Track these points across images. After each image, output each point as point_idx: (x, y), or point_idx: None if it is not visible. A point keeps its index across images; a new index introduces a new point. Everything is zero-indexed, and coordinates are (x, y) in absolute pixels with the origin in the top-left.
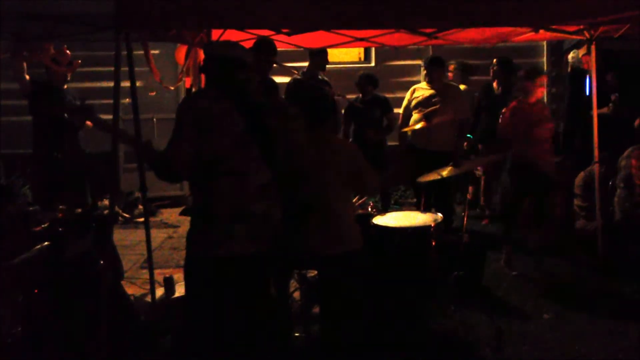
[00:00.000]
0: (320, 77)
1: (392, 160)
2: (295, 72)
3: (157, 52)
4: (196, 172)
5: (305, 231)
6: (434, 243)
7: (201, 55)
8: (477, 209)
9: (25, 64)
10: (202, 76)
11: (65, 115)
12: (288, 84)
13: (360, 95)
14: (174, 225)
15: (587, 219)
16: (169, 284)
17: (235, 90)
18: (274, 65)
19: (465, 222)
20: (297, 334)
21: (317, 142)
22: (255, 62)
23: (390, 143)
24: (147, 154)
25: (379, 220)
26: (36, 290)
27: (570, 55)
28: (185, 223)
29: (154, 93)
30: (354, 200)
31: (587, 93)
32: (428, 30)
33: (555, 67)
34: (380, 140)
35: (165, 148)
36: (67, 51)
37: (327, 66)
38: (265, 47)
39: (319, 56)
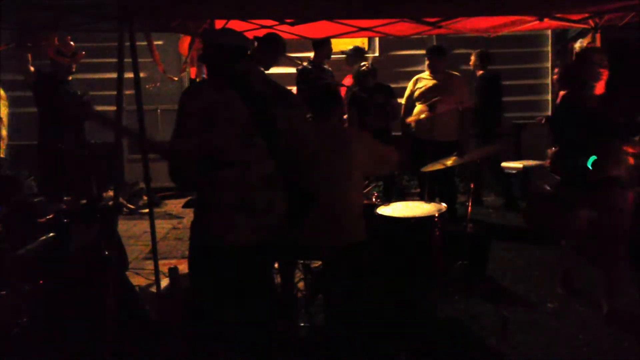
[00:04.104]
0: (325, 66)
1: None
2: (299, 62)
3: (160, 42)
4: (199, 163)
5: (309, 222)
6: (438, 233)
7: None
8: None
9: (29, 55)
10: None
11: (70, 106)
12: (297, 74)
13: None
14: (178, 216)
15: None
16: (174, 274)
17: (238, 79)
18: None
19: (469, 211)
20: (301, 324)
21: (324, 133)
22: (260, 56)
23: (393, 133)
24: (151, 147)
25: (382, 210)
26: (42, 281)
27: (577, 45)
28: (189, 214)
29: (151, 86)
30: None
31: None
32: (432, 20)
33: (560, 55)
34: (384, 128)
35: (170, 143)
36: (71, 42)
37: (332, 56)
38: (274, 43)
39: (324, 46)
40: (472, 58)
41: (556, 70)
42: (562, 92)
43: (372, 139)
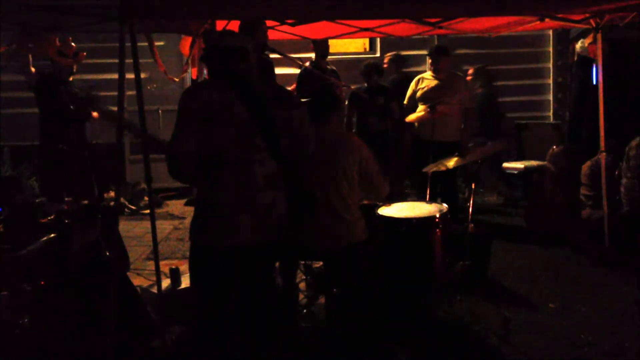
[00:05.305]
0: (329, 67)
1: (395, 150)
2: (301, 62)
3: (161, 43)
4: (200, 163)
5: (310, 223)
6: (439, 233)
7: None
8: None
9: (30, 56)
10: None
11: (71, 107)
12: (299, 74)
13: (365, 84)
14: (179, 216)
15: (593, 208)
16: (175, 275)
17: (238, 80)
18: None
19: (470, 212)
20: (302, 324)
21: (322, 136)
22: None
23: (392, 134)
24: (154, 145)
25: (384, 210)
26: (43, 282)
27: (578, 45)
28: (191, 214)
29: (152, 86)
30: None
31: (594, 82)
32: (433, 20)
33: (561, 56)
34: (383, 129)
35: (169, 142)
36: (72, 43)
37: (334, 57)
38: (244, 28)
39: (318, 45)
40: (385, 61)
41: (470, 71)
42: None
43: (374, 162)
